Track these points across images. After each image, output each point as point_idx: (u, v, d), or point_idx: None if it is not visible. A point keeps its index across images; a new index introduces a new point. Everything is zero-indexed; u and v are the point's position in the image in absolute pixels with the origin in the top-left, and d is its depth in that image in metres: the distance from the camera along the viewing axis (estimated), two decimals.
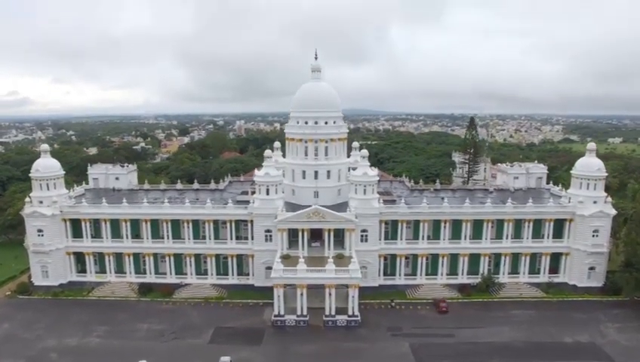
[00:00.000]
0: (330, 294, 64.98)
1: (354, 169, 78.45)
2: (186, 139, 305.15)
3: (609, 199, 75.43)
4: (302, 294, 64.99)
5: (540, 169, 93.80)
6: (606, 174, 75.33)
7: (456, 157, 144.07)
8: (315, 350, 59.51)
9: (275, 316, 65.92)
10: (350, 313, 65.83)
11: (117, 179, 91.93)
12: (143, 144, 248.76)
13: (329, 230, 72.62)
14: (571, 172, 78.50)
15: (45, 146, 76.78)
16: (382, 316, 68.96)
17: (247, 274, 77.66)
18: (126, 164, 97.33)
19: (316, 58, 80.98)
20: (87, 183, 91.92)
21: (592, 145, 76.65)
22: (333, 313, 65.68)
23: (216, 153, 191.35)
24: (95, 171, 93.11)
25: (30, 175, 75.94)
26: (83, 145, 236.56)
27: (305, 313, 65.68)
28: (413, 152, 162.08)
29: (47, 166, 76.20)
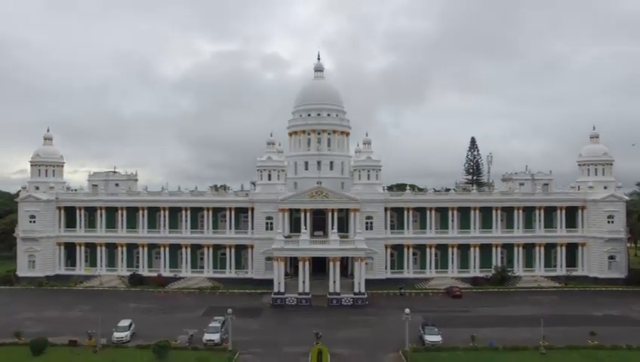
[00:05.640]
0: (334, 269, 60.54)
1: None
2: None
3: (620, 184, 73.47)
4: (304, 269, 60.54)
5: (546, 175, 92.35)
6: (613, 158, 74.02)
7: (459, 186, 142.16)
8: (320, 321, 53.83)
9: (275, 294, 60.67)
10: (357, 290, 60.74)
11: (117, 185, 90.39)
12: None
13: (332, 212, 69.75)
14: (577, 160, 77.26)
15: (48, 134, 76.51)
16: (391, 301, 63.51)
17: (246, 269, 73.00)
18: (128, 171, 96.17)
19: (319, 59, 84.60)
20: None
21: (595, 132, 76.16)
22: (337, 290, 60.61)
23: None
24: (95, 178, 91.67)
25: (30, 160, 74.84)
26: None
27: (307, 291, 60.60)
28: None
29: (48, 152, 75.46)
